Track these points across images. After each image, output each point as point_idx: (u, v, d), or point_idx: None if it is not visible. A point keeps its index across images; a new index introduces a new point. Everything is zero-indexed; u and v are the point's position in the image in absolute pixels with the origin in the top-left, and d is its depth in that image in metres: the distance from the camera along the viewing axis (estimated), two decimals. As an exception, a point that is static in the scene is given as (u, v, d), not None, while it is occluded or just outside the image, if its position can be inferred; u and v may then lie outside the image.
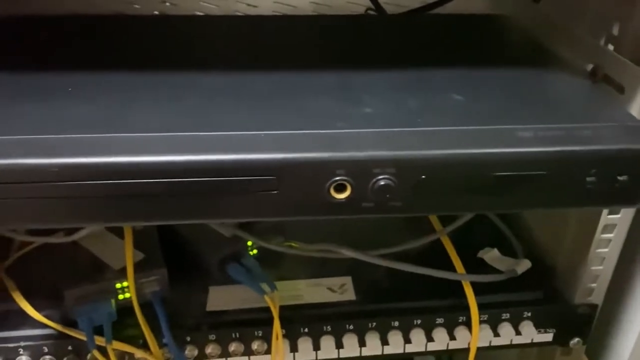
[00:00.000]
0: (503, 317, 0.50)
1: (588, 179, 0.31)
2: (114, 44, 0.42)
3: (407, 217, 0.59)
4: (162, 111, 0.32)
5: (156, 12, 0.67)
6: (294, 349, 0.49)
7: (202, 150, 0.29)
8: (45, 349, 0.46)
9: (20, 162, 0.27)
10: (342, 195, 0.30)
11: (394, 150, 0.29)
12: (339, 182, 0.29)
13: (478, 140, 0.30)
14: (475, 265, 0.53)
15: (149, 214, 0.30)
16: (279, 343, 0.48)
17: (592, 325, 0.51)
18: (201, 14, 0.67)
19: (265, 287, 0.50)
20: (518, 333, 0.50)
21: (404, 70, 0.39)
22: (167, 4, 0.70)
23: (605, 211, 0.45)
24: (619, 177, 0.31)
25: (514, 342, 0.51)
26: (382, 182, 0.29)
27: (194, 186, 0.29)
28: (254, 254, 0.55)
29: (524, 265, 0.53)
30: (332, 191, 0.30)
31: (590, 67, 0.45)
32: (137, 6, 0.69)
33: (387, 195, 0.30)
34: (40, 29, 0.45)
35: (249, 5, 0.71)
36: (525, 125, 0.32)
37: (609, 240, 0.47)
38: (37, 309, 0.48)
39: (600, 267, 0.49)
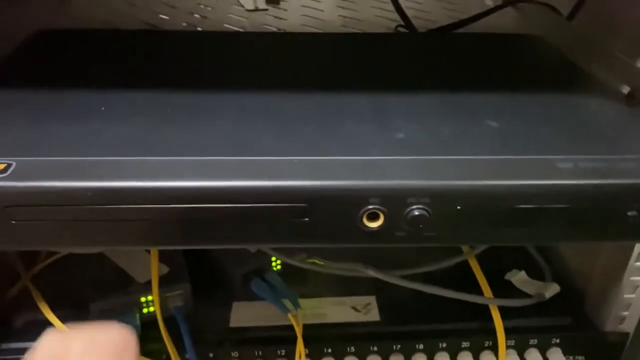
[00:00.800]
0: (531, 343, 0.49)
1: (630, 213, 0.30)
2: (143, 60, 0.42)
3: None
4: (192, 134, 0.32)
5: (184, 24, 0.67)
6: (317, 368, 0.48)
7: (234, 176, 0.28)
8: (69, 362, 0.46)
9: (55, 185, 0.27)
10: (374, 224, 0.29)
11: (430, 179, 0.29)
12: (371, 210, 0.29)
13: (516, 171, 0.30)
14: (502, 287, 0.52)
15: (178, 238, 0.29)
16: (302, 363, 0.47)
17: (623, 354, 0.50)
18: (230, 27, 0.67)
19: (288, 304, 0.50)
20: (546, 359, 0.49)
21: (436, 93, 0.38)
22: (196, 15, 0.70)
23: (640, 239, 0.44)
24: (661, 212, 0.30)
25: (541, 369, 0.50)
26: (416, 212, 0.29)
27: (225, 212, 0.28)
28: (277, 270, 0.54)
29: (553, 289, 0.52)
30: (364, 220, 0.29)
31: (626, 89, 0.44)
32: (165, 17, 0.70)
33: (421, 226, 0.29)
34: (71, 44, 0.45)
35: (276, 17, 0.71)
36: (564, 155, 0.31)
37: (644, 268, 0.46)
38: (62, 319, 0.48)
39: (633, 296, 0.47)
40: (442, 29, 0.60)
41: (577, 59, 0.49)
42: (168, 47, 0.45)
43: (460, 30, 0.60)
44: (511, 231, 0.30)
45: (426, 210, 0.29)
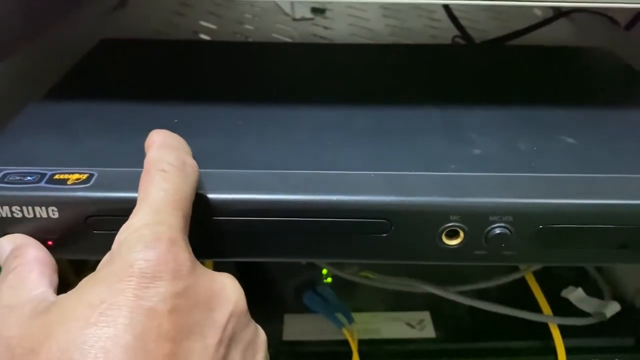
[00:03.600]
0: (592, 364, 0.48)
1: None
2: (208, 71, 0.43)
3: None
4: (268, 146, 0.32)
5: (236, 34, 0.67)
6: (371, 384, 0.47)
7: (314, 190, 0.28)
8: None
9: (133, 196, 0.27)
10: (453, 242, 0.29)
11: (512, 197, 0.28)
12: (451, 228, 0.28)
13: (599, 190, 0.29)
14: (559, 305, 0.51)
15: (257, 250, 0.29)
16: (358, 378, 0.46)
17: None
18: (278, 37, 0.67)
19: (342, 318, 0.49)
20: (608, 381, 0.48)
21: (507, 107, 0.37)
22: (244, 25, 0.71)
23: None
24: None
25: (603, 391, 0.48)
26: (497, 231, 0.28)
27: (302, 225, 0.28)
28: (328, 282, 0.54)
29: (613, 307, 0.50)
30: (443, 237, 0.29)
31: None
32: (212, 26, 0.70)
33: (503, 245, 0.28)
34: (134, 54, 0.46)
35: (323, 27, 0.71)
36: (644, 174, 0.30)
37: None
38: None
39: (701, 317, 0.46)
40: (496, 40, 0.59)
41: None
42: (225, 58, 0.45)
43: (514, 42, 0.59)
44: (594, 252, 0.29)
45: (508, 229, 0.28)
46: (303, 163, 0.30)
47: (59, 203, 0.27)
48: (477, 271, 0.52)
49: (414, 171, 0.30)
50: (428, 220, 0.28)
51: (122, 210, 0.26)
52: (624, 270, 0.54)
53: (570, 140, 0.33)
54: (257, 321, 0.50)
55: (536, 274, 0.51)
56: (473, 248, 0.29)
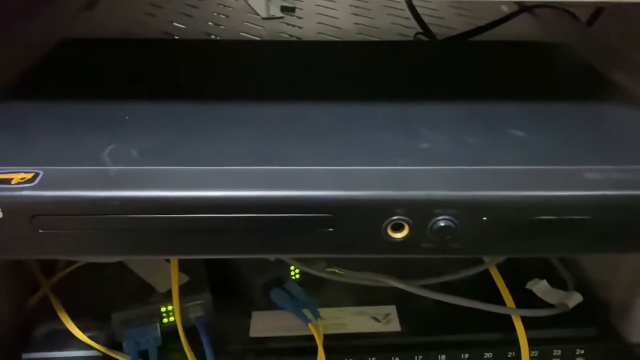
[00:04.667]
0: (555, 354, 0.48)
1: (659, 224, 0.29)
2: (165, 70, 0.43)
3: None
4: (217, 143, 0.32)
5: (202, 31, 0.67)
6: (338, 379, 0.48)
7: (259, 186, 0.28)
8: (90, 372, 0.46)
9: (82, 195, 0.27)
10: (399, 235, 0.29)
11: (456, 190, 0.29)
12: (396, 221, 0.28)
13: (543, 182, 0.29)
14: (523, 297, 0.51)
15: (202, 248, 0.29)
16: (323, 374, 0.47)
17: (650, 366, 0.49)
18: (246, 35, 0.67)
19: (309, 314, 0.50)
20: (571, 371, 0.48)
21: (460, 102, 0.38)
22: (213, 24, 0.71)
23: (667, 248, 0.43)
24: (694, 223, 0.29)
25: (566, 381, 0.49)
26: (442, 224, 0.28)
27: (249, 222, 0.28)
28: (296, 279, 0.54)
29: (576, 299, 0.51)
30: (389, 230, 0.29)
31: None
32: (182, 26, 0.70)
33: (448, 237, 0.29)
34: (94, 53, 0.46)
35: (292, 26, 0.72)
36: (592, 166, 0.30)
37: (671, 278, 0.45)
38: (83, 330, 0.48)
39: (660, 306, 0.46)
40: (460, 37, 0.60)
41: (599, 66, 0.49)
42: (188, 56, 0.46)
43: (479, 38, 0.60)
44: (538, 243, 0.30)
45: (452, 222, 0.29)
46: (250, 160, 0.30)
47: (3, 203, 0.27)
48: (443, 265, 0.53)
49: (361, 166, 0.30)
50: (373, 215, 0.29)
51: (68, 210, 0.26)
52: (588, 261, 0.55)
53: (519, 133, 0.34)
54: (225, 319, 0.51)
55: (502, 267, 0.52)
56: (419, 241, 0.29)
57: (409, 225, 0.29)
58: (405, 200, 0.28)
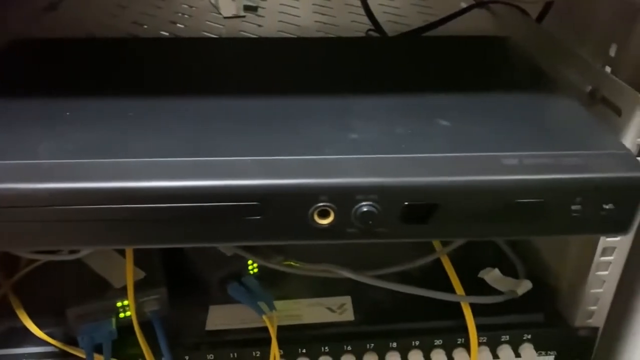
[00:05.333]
0: (502, 339, 0.50)
1: (573, 207, 0.31)
2: (109, 67, 0.43)
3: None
4: (151, 136, 0.33)
5: (164, 33, 0.68)
6: (292, 369, 0.49)
7: (188, 176, 0.29)
8: (46, 367, 0.47)
9: (15, 187, 0.28)
10: (325, 221, 0.30)
11: (376, 176, 0.30)
12: (322, 208, 0.30)
13: (460, 168, 0.30)
14: (475, 285, 0.53)
15: (132, 238, 0.30)
16: (276, 363, 0.48)
17: (594, 349, 0.51)
18: (207, 34, 0.68)
19: (264, 306, 0.50)
20: (518, 355, 0.50)
21: (397, 95, 0.39)
22: (175, 24, 0.71)
23: (604, 233, 0.45)
24: (605, 206, 0.31)
25: (514, 365, 0.51)
26: (364, 209, 0.30)
27: (179, 211, 0.29)
28: (254, 273, 0.55)
29: (525, 286, 0.52)
30: (315, 217, 0.30)
31: (589, 89, 0.45)
32: (144, 26, 0.71)
33: (370, 222, 0.30)
34: (44, 53, 0.46)
35: (253, 24, 0.73)
36: (512, 152, 0.32)
37: (609, 262, 0.46)
38: (40, 326, 0.49)
39: (600, 290, 0.48)
40: (414, 32, 0.61)
41: (542, 59, 0.50)
42: (136, 54, 0.46)
43: (432, 33, 0.61)
44: (458, 226, 0.31)
45: (374, 207, 0.30)
46: (179, 151, 0.31)
47: None
48: (397, 255, 0.54)
49: (289, 156, 0.31)
50: (299, 201, 0.30)
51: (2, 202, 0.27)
52: (538, 250, 0.57)
53: (444, 122, 0.35)
54: (182, 314, 0.52)
55: (456, 257, 0.53)
56: (344, 226, 0.30)
57: (333, 211, 0.30)
58: (329, 186, 0.29)
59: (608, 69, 0.46)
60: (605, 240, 0.45)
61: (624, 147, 0.34)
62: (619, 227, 0.32)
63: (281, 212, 0.30)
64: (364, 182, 0.29)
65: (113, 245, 0.31)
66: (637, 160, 0.32)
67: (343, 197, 0.29)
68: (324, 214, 0.30)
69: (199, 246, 0.44)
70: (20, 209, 0.29)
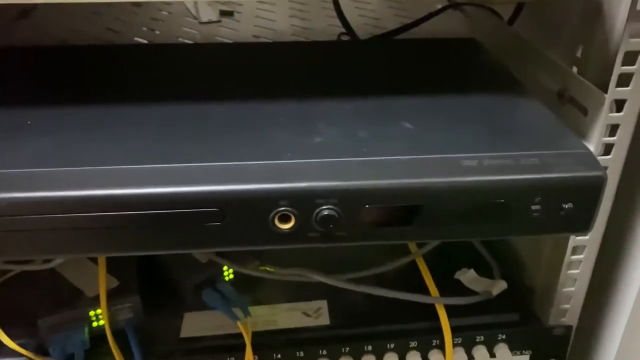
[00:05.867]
0: (477, 340, 0.50)
1: (533, 207, 0.31)
2: (76, 74, 0.43)
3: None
4: (111, 144, 0.33)
5: (138, 39, 0.68)
6: (267, 374, 0.49)
7: (147, 183, 0.29)
8: (18, 378, 0.47)
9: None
10: (286, 226, 0.30)
11: (336, 180, 0.30)
12: (282, 212, 0.30)
13: (420, 170, 0.30)
14: (451, 287, 0.53)
15: (93, 246, 0.30)
16: (251, 369, 0.48)
17: (568, 347, 0.51)
18: (182, 40, 0.68)
19: (239, 312, 0.50)
20: (493, 355, 0.50)
21: (363, 98, 0.39)
22: (148, 29, 0.71)
23: (573, 233, 0.45)
24: (564, 205, 0.31)
25: (490, 365, 0.51)
26: (325, 212, 0.30)
27: (139, 219, 0.29)
28: (229, 279, 0.55)
29: (500, 286, 0.52)
30: (276, 222, 0.30)
31: (557, 89, 0.46)
32: (117, 32, 0.70)
33: (331, 226, 0.30)
34: (11, 60, 0.46)
35: (229, 29, 0.73)
36: (471, 153, 0.32)
37: (580, 261, 0.47)
38: (13, 337, 0.48)
39: (573, 289, 0.48)
40: (387, 35, 0.61)
41: (512, 61, 0.51)
42: (102, 61, 0.46)
43: (406, 35, 0.62)
44: (418, 228, 0.31)
45: (335, 211, 0.30)
46: (139, 158, 0.31)
47: None
48: (373, 258, 0.54)
49: (251, 161, 0.31)
50: (259, 207, 0.29)
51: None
52: (514, 251, 0.57)
53: (408, 125, 0.35)
54: (157, 321, 0.51)
55: (433, 259, 0.53)
56: (306, 231, 0.30)
57: (294, 215, 0.30)
58: (289, 191, 0.29)
59: (575, 70, 0.46)
60: (575, 239, 0.45)
61: (584, 146, 0.34)
62: (580, 226, 0.32)
63: (241, 217, 0.30)
64: (324, 186, 0.29)
65: (73, 254, 0.31)
66: (596, 160, 0.32)
67: (303, 202, 0.29)
68: (284, 218, 0.30)
69: (160, 253, 0.43)
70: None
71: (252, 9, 0.79)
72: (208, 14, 0.76)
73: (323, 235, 0.30)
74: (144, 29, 0.72)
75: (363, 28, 0.69)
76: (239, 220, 0.30)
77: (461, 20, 0.68)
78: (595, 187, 0.31)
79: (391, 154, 0.32)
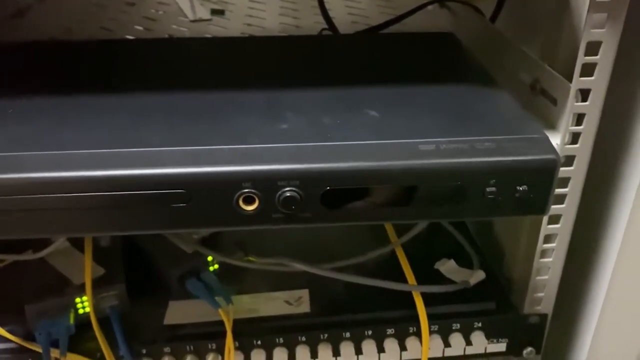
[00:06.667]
0: (454, 328, 0.51)
1: (488, 189, 0.32)
2: (61, 67, 0.45)
3: (366, 228, 0.60)
4: (84, 129, 0.34)
5: (130, 37, 0.69)
6: (247, 361, 0.50)
7: (116, 165, 0.30)
8: (6, 362, 0.48)
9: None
10: (250, 207, 0.31)
11: (297, 163, 0.31)
12: (246, 194, 0.31)
13: (379, 153, 0.32)
14: (430, 276, 0.54)
15: (64, 226, 0.31)
16: (231, 356, 0.49)
17: (544, 335, 0.52)
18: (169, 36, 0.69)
19: (221, 301, 0.51)
20: (469, 343, 0.51)
21: (334, 89, 0.40)
22: (140, 27, 0.73)
23: (544, 221, 0.46)
24: (519, 188, 0.32)
25: (467, 353, 0.52)
26: (287, 194, 0.31)
27: (108, 199, 0.30)
28: (214, 269, 0.56)
29: (478, 276, 0.54)
30: (241, 203, 0.31)
31: (530, 81, 0.47)
32: (110, 30, 0.72)
33: (293, 207, 0.31)
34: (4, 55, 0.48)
35: (218, 26, 0.74)
36: (428, 138, 0.33)
37: (552, 249, 0.48)
38: (1, 324, 0.50)
39: (546, 277, 0.49)
40: (371, 30, 0.63)
41: (491, 56, 0.52)
42: (86, 55, 0.48)
43: (389, 31, 0.63)
44: (380, 210, 0.32)
45: (297, 192, 0.31)
46: (110, 143, 0.32)
47: None
48: (356, 246, 0.55)
49: (218, 145, 0.32)
50: (223, 188, 0.31)
51: None
52: (494, 241, 0.58)
53: (373, 113, 0.36)
54: (141, 309, 0.53)
55: (413, 248, 0.54)
56: (269, 212, 0.31)
57: (258, 197, 0.31)
58: (252, 173, 0.31)
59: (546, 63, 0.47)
60: (546, 228, 0.46)
61: (542, 132, 0.35)
62: (535, 209, 0.33)
63: (207, 199, 0.31)
64: (286, 168, 0.31)
65: (42, 234, 0.32)
66: (551, 144, 0.33)
67: (266, 184, 0.31)
68: (248, 200, 0.31)
69: (128, 234, 0.45)
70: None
71: (242, 8, 0.80)
72: (199, 12, 0.77)
73: (287, 216, 0.32)
74: (137, 27, 0.74)
75: (350, 25, 0.70)
76: (204, 201, 0.31)
77: (445, 17, 0.69)
78: (548, 170, 0.32)
79: (353, 139, 0.33)
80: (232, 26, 0.74)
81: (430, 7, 0.68)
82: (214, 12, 0.79)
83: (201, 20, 0.76)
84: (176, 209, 0.31)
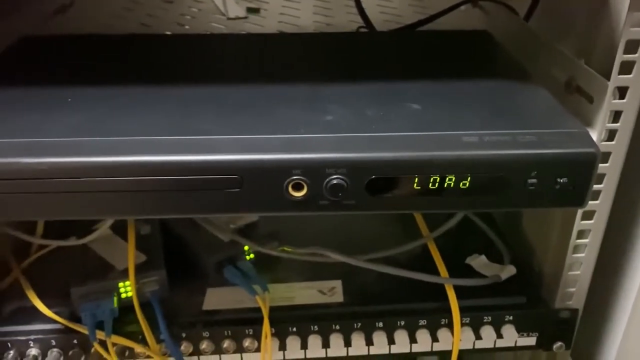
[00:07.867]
0: (485, 320, 0.52)
1: (530, 180, 0.33)
2: (111, 61, 0.47)
3: (397, 222, 0.61)
4: (147, 119, 0.36)
5: (168, 34, 0.72)
6: (282, 347, 0.51)
7: (175, 151, 0.32)
8: (53, 342, 0.50)
9: (16, 161, 0.31)
10: (299, 194, 0.33)
11: (345, 152, 0.32)
12: (296, 181, 0.32)
13: (424, 144, 0.33)
14: (462, 271, 0.55)
15: (124, 208, 0.33)
16: (268, 341, 0.50)
17: (575, 330, 0.52)
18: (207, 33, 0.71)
19: (258, 289, 0.53)
20: (500, 336, 0.52)
21: (375, 83, 0.41)
22: (181, 25, 0.75)
23: (578, 216, 0.47)
24: (559, 180, 0.33)
25: (497, 345, 0.52)
26: (334, 182, 0.32)
27: (167, 183, 0.32)
28: (250, 259, 0.58)
29: (509, 271, 0.54)
30: (290, 189, 0.33)
31: (565, 79, 0.48)
32: (149, 26, 0.74)
33: (340, 194, 0.32)
34: (51, 49, 0.50)
35: (256, 25, 0.76)
36: (472, 131, 0.34)
37: (585, 245, 0.48)
38: (48, 306, 0.52)
39: (578, 272, 0.50)
40: (405, 29, 0.64)
41: (526, 54, 0.53)
42: (134, 49, 0.50)
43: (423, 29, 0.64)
44: (421, 199, 0.34)
45: (344, 180, 0.32)
46: (169, 131, 0.34)
47: None
48: (389, 239, 0.57)
49: (269, 135, 0.34)
50: (274, 175, 0.32)
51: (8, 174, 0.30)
52: (525, 237, 0.59)
53: (415, 106, 0.37)
54: (181, 295, 0.55)
55: (446, 244, 0.55)
56: (317, 199, 0.33)
57: (306, 184, 0.33)
58: (301, 161, 0.32)
59: (583, 61, 0.48)
60: (580, 223, 0.47)
61: (581, 126, 0.36)
62: (574, 201, 0.34)
63: (258, 185, 0.32)
64: (334, 157, 0.32)
65: (104, 215, 0.34)
66: (591, 138, 0.34)
67: (315, 171, 0.32)
68: (298, 187, 0.33)
69: (183, 217, 0.46)
70: (18, 181, 0.32)
71: (277, 7, 0.82)
72: (235, 10, 0.79)
73: (333, 203, 0.33)
74: (174, 24, 0.76)
75: (384, 24, 0.71)
76: (255, 187, 0.33)
77: (478, 17, 0.70)
78: (588, 163, 0.33)
79: (397, 131, 0.34)
80: (267, 24, 0.76)
81: (463, 7, 0.69)
82: (250, 10, 0.80)
83: (237, 18, 0.78)
84: (229, 193, 0.33)
